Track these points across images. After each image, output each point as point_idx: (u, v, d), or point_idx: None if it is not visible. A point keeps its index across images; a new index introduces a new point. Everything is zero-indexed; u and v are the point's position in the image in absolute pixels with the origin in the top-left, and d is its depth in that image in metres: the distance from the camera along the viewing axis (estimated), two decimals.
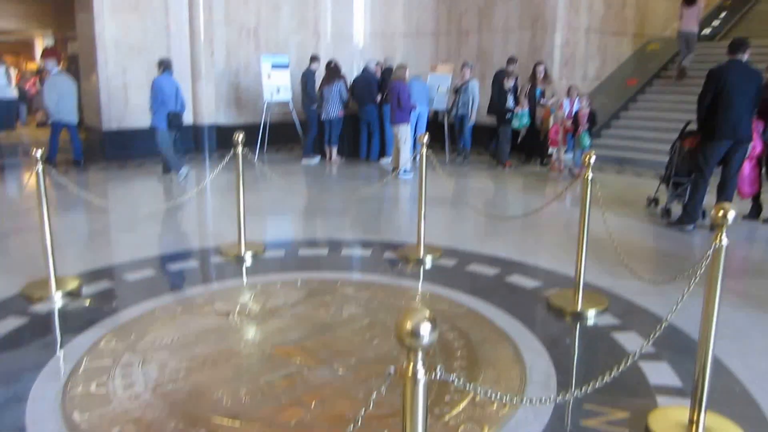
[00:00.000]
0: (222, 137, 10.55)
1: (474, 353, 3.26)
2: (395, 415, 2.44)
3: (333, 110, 9.51)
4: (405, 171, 8.33)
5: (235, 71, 10.99)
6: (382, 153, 9.83)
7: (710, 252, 2.41)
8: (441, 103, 10.28)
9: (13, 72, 15.71)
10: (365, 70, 9.92)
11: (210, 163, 9.85)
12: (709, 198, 5.91)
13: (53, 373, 3.02)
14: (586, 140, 8.59)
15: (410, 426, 1.58)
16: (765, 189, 6.24)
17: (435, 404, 2.69)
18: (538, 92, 9.50)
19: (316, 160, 9.91)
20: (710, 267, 2.44)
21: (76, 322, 3.67)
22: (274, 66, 10.40)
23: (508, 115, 9.28)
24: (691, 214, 5.86)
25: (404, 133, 8.41)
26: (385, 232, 6.01)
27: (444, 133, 10.23)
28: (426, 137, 4.89)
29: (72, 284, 4.15)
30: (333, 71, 9.57)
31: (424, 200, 4.84)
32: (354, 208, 6.88)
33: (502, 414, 2.66)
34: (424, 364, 1.54)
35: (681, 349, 3.30)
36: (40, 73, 15.09)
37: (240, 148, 4.90)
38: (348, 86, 9.83)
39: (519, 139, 9.86)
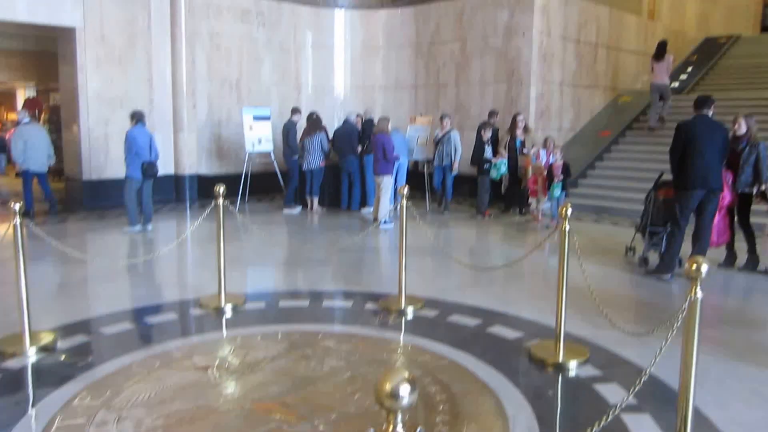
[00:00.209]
0: (204, 187, 10.60)
1: (456, 407, 3.23)
2: None
3: (314, 161, 9.62)
4: (385, 222, 8.39)
5: (217, 122, 11.10)
6: (363, 203, 9.90)
7: (686, 305, 2.46)
8: (420, 153, 10.47)
9: None
10: (346, 122, 10.08)
11: (191, 213, 9.82)
12: (685, 246, 6.02)
13: None
14: (557, 191, 8.75)
15: None
16: (738, 238, 6.39)
17: None
18: (518, 142, 9.71)
19: (298, 209, 9.94)
20: (686, 319, 2.49)
21: (49, 378, 3.58)
22: (256, 117, 10.54)
23: (486, 166, 9.46)
24: (668, 264, 5.97)
25: (387, 184, 8.52)
26: (367, 283, 6.00)
27: (424, 183, 10.38)
28: (406, 189, 4.97)
29: (47, 339, 4.07)
30: (314, 123, 9.72)
31: (404, 251, 4.88)
32: (335, 259, 6.87)
33: None
34: (403, 426, 1.53)
35: (662, 399, 3.32)
36: (19, 124, 15.04)
37: (221, 200, 4.92)
38: (329, 137, 9.98)
39: (503, 190, 10.03)
